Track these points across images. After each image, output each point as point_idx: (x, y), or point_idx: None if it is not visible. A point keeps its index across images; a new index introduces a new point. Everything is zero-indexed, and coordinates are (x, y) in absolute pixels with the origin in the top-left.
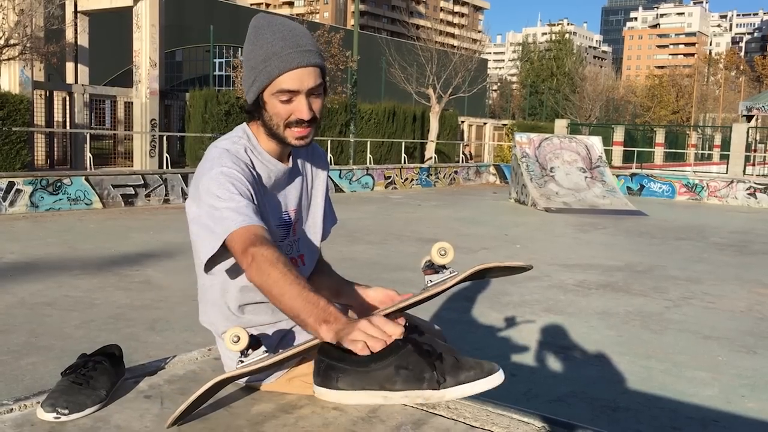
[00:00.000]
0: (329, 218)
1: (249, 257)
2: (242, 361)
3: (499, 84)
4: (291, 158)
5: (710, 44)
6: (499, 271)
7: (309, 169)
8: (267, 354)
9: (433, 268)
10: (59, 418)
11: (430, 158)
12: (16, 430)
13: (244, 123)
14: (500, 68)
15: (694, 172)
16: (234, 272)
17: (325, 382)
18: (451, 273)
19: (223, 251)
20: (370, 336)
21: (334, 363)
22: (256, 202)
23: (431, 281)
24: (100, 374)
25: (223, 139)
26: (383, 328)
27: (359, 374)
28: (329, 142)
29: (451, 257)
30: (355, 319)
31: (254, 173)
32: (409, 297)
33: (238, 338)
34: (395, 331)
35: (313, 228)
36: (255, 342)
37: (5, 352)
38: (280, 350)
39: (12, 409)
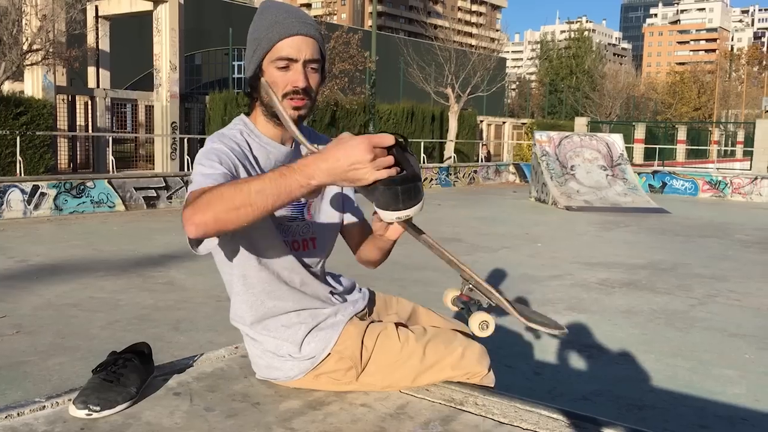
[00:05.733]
0: (353, 205)
1: (188, 207)
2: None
3: (517, 83)
4: (293, 143)
5: (732, 39)
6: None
7: None
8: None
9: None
10: (91, 414)
11: (450, 158)
12: (49, 427)
13: (242, 114)
14: (519, 67)
15: (717, 169)
16: (250, 260)
17: (416, 200)
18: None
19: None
20: (378, 165)
21: (413, 185)
22: (237, 174)
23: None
24: (131, 372)
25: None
26: (381, 144)
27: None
28: None
29: (492, 330)
30: (324, 149)
31: (248, 153)
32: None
33: (487, 324)
34: (388, 140)
35: (328, 212)
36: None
37: (33, 352)
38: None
39: (44, 406)
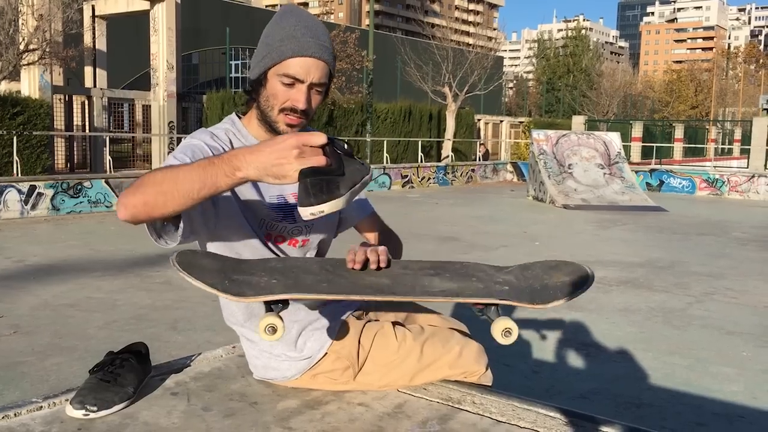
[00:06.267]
0: (353, 207)
1: (123, 192)
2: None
3: (515, 81)
4: None
5: (729, 38)
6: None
7: None
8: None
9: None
10: (88, 415)
11: (447, 157)
12: (46, 428)
13: (233, 113)
14: (516, 65)
15: (715, 167)
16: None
17: (329, 195)
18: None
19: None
20: (304, 162)
21: (325, 177)
22: None
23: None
24: (128, 372)
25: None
26: (310, 143)
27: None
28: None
29: (515, 337)
30: (253, 146)
31: (227, 149)
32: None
33: (274, 329)
34: (319, 139)
35: (329, 216)
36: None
37: (30, 353)
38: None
39: (41, 406)
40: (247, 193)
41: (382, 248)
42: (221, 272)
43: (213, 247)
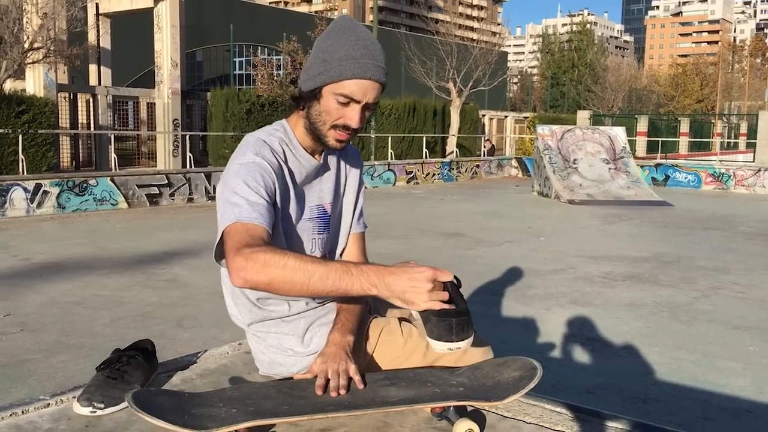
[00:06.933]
0: (360, 220)
1: (242, 257)
2: None
3: (519, 76)
4: (323, 154)
5: (734, 31)
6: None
7: (343, 167)
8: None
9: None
10: (95, 412)
11: (452, 152)
12: (54, 425)
13: (284, 119)
14: (520, 61)
15: (720, 161)
16: None
17: (467, 334)
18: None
19: None
20: (433, 296)
21: (464, 318)
22: (277, 198)
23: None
24: (134, 369)
25: (260, 130)
26: (442, 279)
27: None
28: None
29: None
30: (389, 267)
31: (285, 166)
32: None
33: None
34: (448, 277)
35: (344, 226)
36: None
37: (37, 350)
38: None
39: (49, 404)
40: (290, 207)
41: (343, 369)
42: (178, 408)
43: None
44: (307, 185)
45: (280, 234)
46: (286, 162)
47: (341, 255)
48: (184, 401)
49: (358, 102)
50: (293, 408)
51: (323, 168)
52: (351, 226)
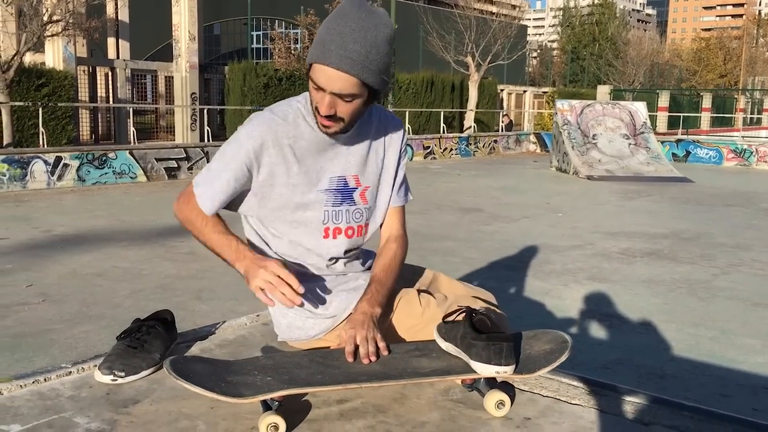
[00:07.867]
0: (399, 193)
1: (187, 195)
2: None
3: (539, 51)
4: (356, 126)
5: (759, 4)
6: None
7: (381, 139)
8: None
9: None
10: (116, 380)
11: (470, 127)
12: (75, 392)
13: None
14: (540, 34)
15: (743, 137)
16: (285, 251)
17: (514, 359)
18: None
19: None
20: (266, 282)
21: (513, 345)
22: (260, 173)
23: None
24: (154, 338)
25: (284, 100)
26: (278, 273)
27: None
28: None
29: (508, 408)
30: (259, 258)
31: (286, 137)
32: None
33: (276, 427)
34: (291, 280)
35: (382, 199)
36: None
37: (59, 320)
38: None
39: (70, 372)
40: (293, 176)
41: (371, 336)
42: (215, 375)
43: (277, 241)
44: (326, 156)
45: (266, 204)
46: (296, 133)
47: (380, 228)
48: (220, 369)
49: (324, 90)
50: (326, 377)
51: (351, 139)
52: (390, 200)
